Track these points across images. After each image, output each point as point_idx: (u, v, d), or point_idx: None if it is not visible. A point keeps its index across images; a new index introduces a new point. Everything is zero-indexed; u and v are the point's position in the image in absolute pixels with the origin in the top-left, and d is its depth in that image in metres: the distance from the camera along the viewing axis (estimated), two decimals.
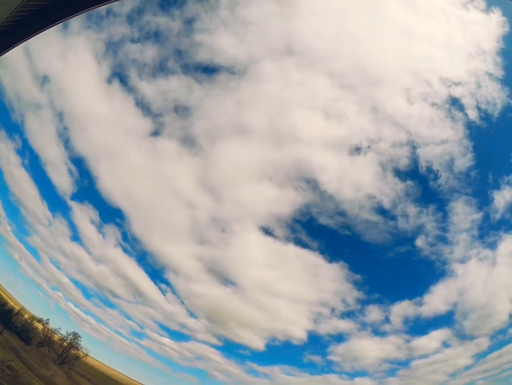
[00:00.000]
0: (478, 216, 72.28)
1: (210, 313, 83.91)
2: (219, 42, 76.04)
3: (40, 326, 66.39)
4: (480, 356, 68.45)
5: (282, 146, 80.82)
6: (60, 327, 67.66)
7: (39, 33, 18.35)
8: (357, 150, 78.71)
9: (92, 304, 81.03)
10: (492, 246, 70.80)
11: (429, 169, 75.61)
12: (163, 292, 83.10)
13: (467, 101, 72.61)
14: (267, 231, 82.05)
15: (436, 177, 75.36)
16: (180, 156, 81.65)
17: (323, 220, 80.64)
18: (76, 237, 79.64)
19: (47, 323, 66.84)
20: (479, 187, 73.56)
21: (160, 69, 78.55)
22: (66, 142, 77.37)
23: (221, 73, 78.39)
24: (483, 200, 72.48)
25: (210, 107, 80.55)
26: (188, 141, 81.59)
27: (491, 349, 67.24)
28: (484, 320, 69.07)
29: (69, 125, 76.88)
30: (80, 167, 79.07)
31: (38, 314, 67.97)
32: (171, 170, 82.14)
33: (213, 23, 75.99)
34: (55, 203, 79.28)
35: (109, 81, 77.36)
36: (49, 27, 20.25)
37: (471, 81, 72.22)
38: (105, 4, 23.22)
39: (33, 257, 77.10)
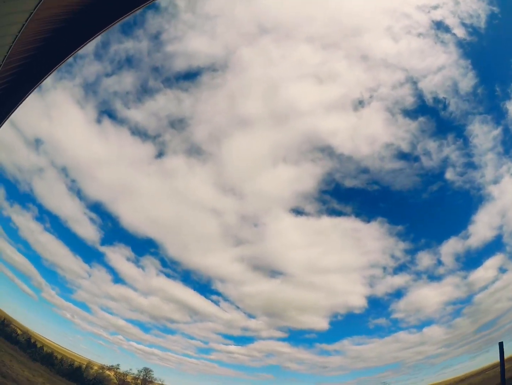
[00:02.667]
0: (497, 131, 69.82)
1: (267, 308, 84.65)
2: (192, 45, 75.42)
3: (111, 373, 68.02)
4: None
5: (286, 125, 79.84)
6: (130, 367, 69.35)
7: (24, 99, 18.07)
8: (360, 103, 76.87)
9: (153, 336, 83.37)
10: None
11: (436, 99, 73.07)
12: (216, 303, 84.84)
13: (450, 21, 69.68)
14: (298, 211, 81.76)
15: (445, 106, 72.77)
16: (191, 168, 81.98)
17: (349, 183, 79.70)
18: (117, 278, 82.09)
19: (118, 368, 68.42)
20: (490, 103, 70.72)
21: (144, 91, 78.53)
22: (78, 193, 79.36)
23: (204, 74, 77.98)
24: (497, 114, 69.85)
25: (204, 111, 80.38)
26: (194, 151, 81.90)
27: None
28: None
29: (75, 177, 78.57)
30: (100, 212, 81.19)
31: (106, 362, 69.75)
32: (186, 184, 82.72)
33: (179, 29, 75.15)
34: (88, 253, 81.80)
35: (98, 121, 78.06)
36: (31, 92, 19.88)
37: (448, 0, 69.07)
38: (74, 54, 22.48)
39: (84, 311, 79.76)
